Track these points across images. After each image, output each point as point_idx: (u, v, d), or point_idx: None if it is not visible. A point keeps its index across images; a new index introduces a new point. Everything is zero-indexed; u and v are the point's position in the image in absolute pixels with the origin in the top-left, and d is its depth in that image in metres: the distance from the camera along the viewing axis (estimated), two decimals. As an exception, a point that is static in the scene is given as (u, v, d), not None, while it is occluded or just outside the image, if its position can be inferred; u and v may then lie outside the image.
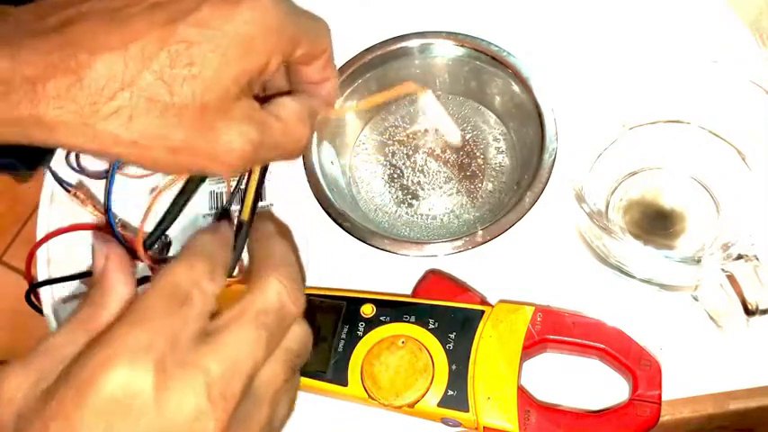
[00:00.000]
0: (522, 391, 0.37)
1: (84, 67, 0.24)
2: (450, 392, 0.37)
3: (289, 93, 0.34)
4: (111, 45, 0.24)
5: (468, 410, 0.37)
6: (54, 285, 0.47)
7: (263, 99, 0.33)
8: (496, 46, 0.50)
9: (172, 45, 0.25)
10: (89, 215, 0.49)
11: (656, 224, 0.45)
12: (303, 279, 0.28)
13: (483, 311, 0.40)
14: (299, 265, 0.29)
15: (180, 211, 0.48)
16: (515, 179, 0.50)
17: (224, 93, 0.26)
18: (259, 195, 0.48)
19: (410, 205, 0.51)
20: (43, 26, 0.25)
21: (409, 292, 0.43)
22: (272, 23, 0.27)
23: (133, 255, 0.46)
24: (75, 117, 0.25)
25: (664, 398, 0.36)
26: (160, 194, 0.45)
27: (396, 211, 0.51)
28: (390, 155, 0.52)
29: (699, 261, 0.37)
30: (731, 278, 0.36)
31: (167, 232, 0.47)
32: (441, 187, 0.51)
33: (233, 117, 0.27)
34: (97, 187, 0.50)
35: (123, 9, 0.25)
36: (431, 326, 0.39)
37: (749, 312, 0.36)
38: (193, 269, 0.26)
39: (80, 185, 0.50)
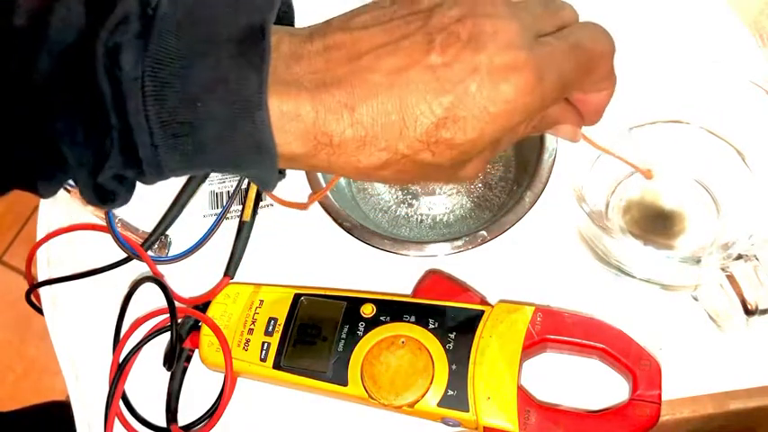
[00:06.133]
0: (522, 391, 0.37)
1: (366, 133, 0.27)
2: (450, 392, 0.37)
3: None
4: (387, 111, 0.26)
5: (468, 410, 0.37)
6: (54, 285, 0.47)
7: None
8: (496, 46, 0.50)
9: (441, 119, 0.26)
10: (89, 215, 0.49)
11: (656, 224, 0.45)
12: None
13: (483, 311, 0.40)
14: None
15: (180, 211, 0.48)
16: (515, 179, 0.50)
17: (477, 151, 0.28)
18: (260, 196, 0.48)
19: (410, 205, 0.51)
20: (333, 76, 0.27)
21: (409, 292, 0.43)
22: (533, 99, 0.27)
23: (135, 255, 0.46)
24: (352, 166, 0.28)
25: (664, 398, 0.36)
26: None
27: (396, 211, 0.51)
28: (390, 155, 0.52)
29: (699, 261, 0.37)
30: (731, 278, 0.36)
31: (167, 232, 0.47)
32: (441, 187, 0.51)
33: (475, 158, 0.29)
34: (97, 187, 0.50)
35: (404, 71, 0.26)
36: (431, 326, 0.39)
37: (749, 312, 0.36)
38: None
39: (80, 185, 0.50)
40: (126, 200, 0.30)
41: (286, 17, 0.29)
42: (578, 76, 0.29)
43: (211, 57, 0.26)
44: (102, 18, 0.26)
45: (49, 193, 0.30)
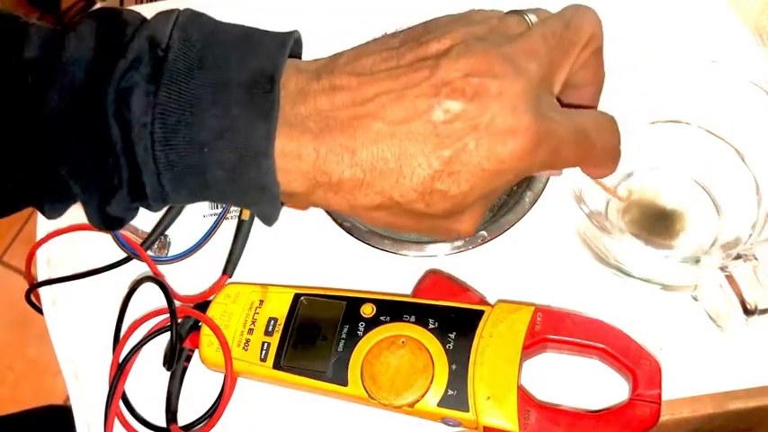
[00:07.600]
0: (522, 391, 0.37)
1: (364, 176, 0.27)
2: (450, 392, 0.38)
3: None
4: (386, 158, 0.27)
5: (468, 410, 0.37)
6: (54, 285, 0.47)
7: None
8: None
9: (438, 171, 0.27)
10: (89, 215, 0.49)
11: (655, 224, 0.45)
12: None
13: (483, 311, 0.40)
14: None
15: (180, 211, 0.48)
16: (515, 179, 0.50)
17: (468, 204, 0.28)
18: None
19: (410, 205, 0.51)
20: (336, 119, 0.27)
21: (409, 292, 0.43)
22: (523, 164, 0.27)
23: (135, 255, 0.46)
24: (347, 204, 0.28)
25: (664, 398, 0.36)
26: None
27: (396, 211, 0.51)
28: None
29: (699, 261, 0.37)
30: (730, 278, 0.36)
31: (167, 232, 0.47)
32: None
33: (467, 211, 0.29)
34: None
35: (406, 122, 0.27)
36: (431, 326, 0.39)
37: (748, 312, 0.36)
38: None
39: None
40: (131, 220, 0.30)
41: (293, 51, 0.29)
42: (574, 159, 0.30)
43: (220, 104, 0.26)
44: (114, 54, 0.26)
45: (56, 215, 0.30)
